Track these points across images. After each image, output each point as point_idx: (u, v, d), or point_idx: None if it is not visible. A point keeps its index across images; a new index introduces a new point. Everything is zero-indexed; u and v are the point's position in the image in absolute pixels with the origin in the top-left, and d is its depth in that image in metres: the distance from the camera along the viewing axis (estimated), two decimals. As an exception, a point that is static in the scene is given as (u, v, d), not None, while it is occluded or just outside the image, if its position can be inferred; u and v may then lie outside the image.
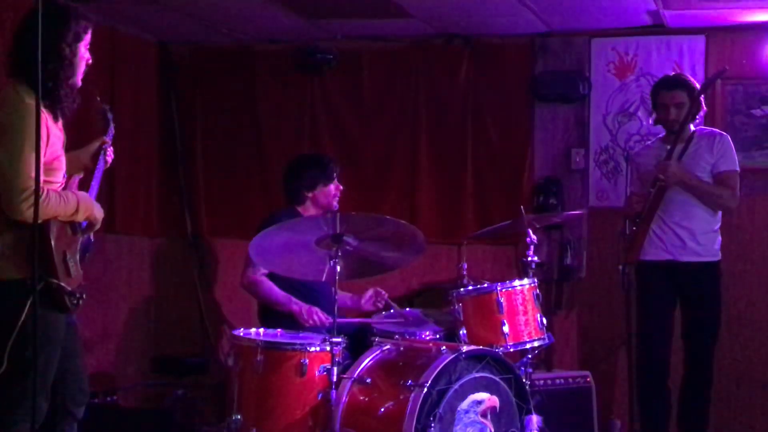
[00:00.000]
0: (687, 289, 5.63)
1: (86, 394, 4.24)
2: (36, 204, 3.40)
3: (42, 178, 3.67)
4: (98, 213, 4.09)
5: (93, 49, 4.08)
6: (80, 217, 3.97)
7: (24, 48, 3.80)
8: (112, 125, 4.39)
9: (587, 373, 6.11)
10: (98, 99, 4.46)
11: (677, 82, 5.67)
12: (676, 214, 5.58)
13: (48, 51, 3.72)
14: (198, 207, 7.30)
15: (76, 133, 4.29)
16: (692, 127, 5.67)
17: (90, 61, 4.05)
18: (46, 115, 3.80)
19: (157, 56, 7.28)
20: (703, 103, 5.70)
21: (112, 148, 4.37)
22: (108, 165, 4.35)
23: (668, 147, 5.57)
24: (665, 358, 5.64)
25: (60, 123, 3.96)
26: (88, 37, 4.01)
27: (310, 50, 6.98)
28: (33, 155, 3.66)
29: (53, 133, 3.86)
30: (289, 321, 5.34)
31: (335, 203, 5.68)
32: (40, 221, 3.68)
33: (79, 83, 4.04)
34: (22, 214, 3.70)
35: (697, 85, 5.67)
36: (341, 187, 5.72)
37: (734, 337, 6.40)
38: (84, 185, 4.21)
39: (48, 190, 3.78)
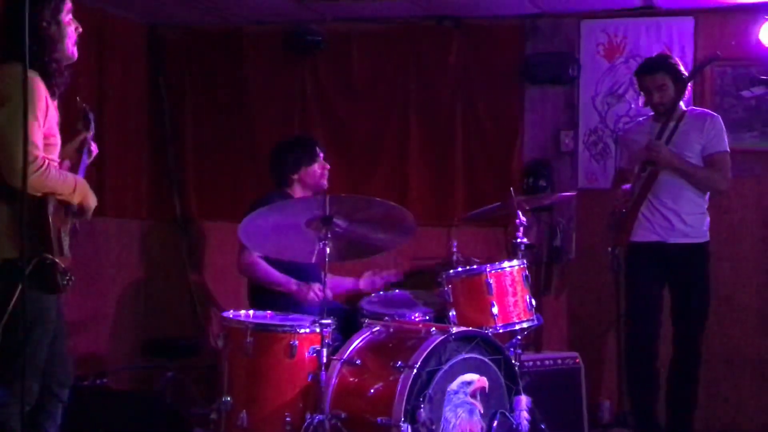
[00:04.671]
0: (676, 270, 5.64)
1: (71, 376, 4.26)
2: (24, 180, 3.39)
3: (42, 153, 3.70)
4: (92, 200, 4.10)
5: (82, 31, 4.07)
6: (76, 199, 3.98)
7: (10, 31, 3.79)
8: (92, 125, 4.38)
9: (576, 354, 6.12)
10: (78, 99, 4.43)
11: (657, 65, 5.67)
12: (664, 195, 5.59)
13: (31, 33, 3.69)
14: (187, 189, 7.30)
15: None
16: (683, 107, 5.67)
17: (80, 30, 4.04)
18: (45, 92, 3.82)
19: (146, 38, 7.26)
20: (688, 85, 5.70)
21: (95, 144, 4.37)
22: (92, 159, 4.35)
23: (659, 125, 5.57)
24: (653, 339, 5.66)
25: (55, 102, 3.97)
26: (68, 5, 3.99)
27: (299, 32, 6.96)
28: (37, 127, 3.70)
29: (51, 109, 3.87)
30: (281, 302, 5.36)
31: (324, 182, 5.73)
32: (40, 193, 3.74)
33: (75, 54, 4.04)
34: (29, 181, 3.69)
35: (680, 66, 5.68)
36: (328, 166, 5.76)
37: (723, 318, 6.42)
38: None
39: (48, 162, 3.80)
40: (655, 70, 5.63)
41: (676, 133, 5.56)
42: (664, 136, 5.54)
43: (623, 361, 5.94)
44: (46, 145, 3.87)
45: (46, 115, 3.81)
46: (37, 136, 3.74)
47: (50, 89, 3.90)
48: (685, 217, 5.59)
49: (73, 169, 4.23)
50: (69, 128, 4.41)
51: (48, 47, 3.90)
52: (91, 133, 4.34)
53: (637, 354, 5.73)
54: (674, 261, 5.62)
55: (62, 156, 4.16)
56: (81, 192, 4.00)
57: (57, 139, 3.98)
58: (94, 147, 4.35)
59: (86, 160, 4.28)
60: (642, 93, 5.76)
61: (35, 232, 3.75)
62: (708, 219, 5.68)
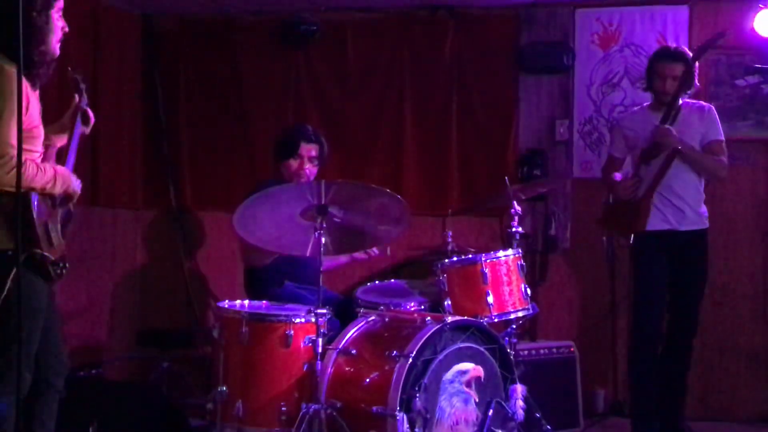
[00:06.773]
0: (682, 258, 5.56)
1: (66, 365, 4.24)
2: (18, 172, 3.38)
3: (15, 150, 3.64)
4: (76, 186, 4.07)
5: (76, 21, 4.04)
6: (57, 190, 3.95)
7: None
8: (84, 95, 4.35)
9: (571, 343, 6.14)
10: (69, 69, 4.39)
11: (678, 55, 5.58)
12: (673, 183, 5.54)
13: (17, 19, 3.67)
14: (182, 179, 7.28)
15: (54, 109, 4.24)
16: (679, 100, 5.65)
17: (66, 29, 4.01)
18: (25, 83, 3.77)
19: (141, 28, 7.23)
20: (696, 79, 5.65)
21: (91, 111, 4.33)
22: (90, 126, 4.30)
23: (660, 116, 5.54)
24: (659, 327, 5.61)
25: (37, 93, 3.94)
26: (60, 4, 3.98)
27: (294, 22, 6.94)
28: (12, 122, 3.64)
29: (32, 100, 3.84)
30: (276, 292, 5.36)
31: (298, 179, 5.57)
32: (14, 189, 3.65)
33: (57, 52, 4.00)
34: (0, 180, 3.68)
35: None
36: (308, 166, 5.61)
37: (717, 306, 6.44)
38: (61, 157, 4.17)
39: (25, 159, 3.72)
40: (675, 59, 5.56)
41: (675, 124, 5.52)
42: (667, 123, 5.50)
43: (628, 348, 5.90)
44: (28, 137, 3.81)
45: (26, 109, 3.76)
46: (10, 134, 3.67)
47: (31, 80, 3.87)
48: (692, 204, 5.56)
49: (66, 144, 4.19)
50: (63, 101, 4.36)
51: (35, 37, 3.86)
52: (84, 101, 4.29)
53: (643, 343, 5.59)
54: (683, 248, 5.56)
55: (54, 131, 4.14)
56: (62, 182, 3.96)
57: (39, 130, 3.94)
58: (90, 115, 4.29)
59: (79, 131, 4.23)
60: (651, 78, 5.66)
61: (22, 228, 3.72)
62: (705, 206, 5.67)
